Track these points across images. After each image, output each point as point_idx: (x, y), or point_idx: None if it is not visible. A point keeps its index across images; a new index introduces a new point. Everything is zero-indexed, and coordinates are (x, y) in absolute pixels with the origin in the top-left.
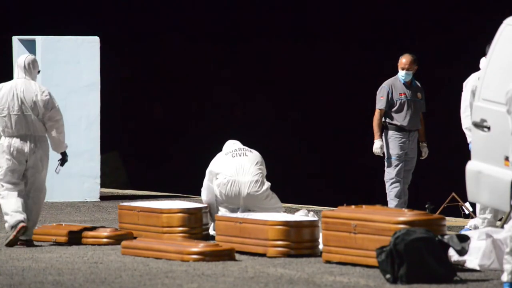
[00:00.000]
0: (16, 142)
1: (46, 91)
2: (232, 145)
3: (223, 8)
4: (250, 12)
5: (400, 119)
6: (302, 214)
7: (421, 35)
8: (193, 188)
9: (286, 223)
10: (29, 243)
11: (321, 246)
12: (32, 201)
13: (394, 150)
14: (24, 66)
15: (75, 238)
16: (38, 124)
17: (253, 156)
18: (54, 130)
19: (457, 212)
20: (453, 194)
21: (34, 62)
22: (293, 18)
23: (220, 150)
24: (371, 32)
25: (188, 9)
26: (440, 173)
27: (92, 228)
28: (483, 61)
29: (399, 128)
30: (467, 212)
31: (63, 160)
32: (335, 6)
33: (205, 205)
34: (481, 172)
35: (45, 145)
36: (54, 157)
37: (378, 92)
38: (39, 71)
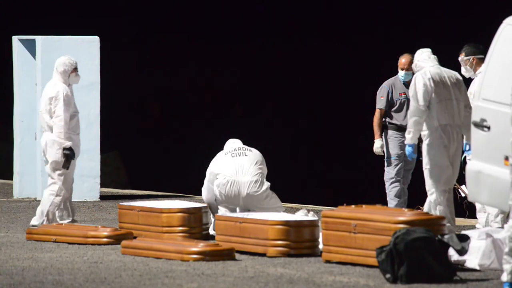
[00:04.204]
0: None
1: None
2: (232, 144)
3: (222, 8)
4: (250, 11)
5: (400, 118)
6: (302, 214)
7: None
8: (193, 188)
9: (286, 223)
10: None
11: (321, 246)
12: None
13: (394, 150)
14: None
15: (75, 237)
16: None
17: (253, 155)
18: None
19: (454, 195)
20: None
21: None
22: (291, 17)
23: (220, 149)
24: (371, 31)
25: (188, 8)
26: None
27: (92, 228)
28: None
29: (398, 128)
30: (463, 194)
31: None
32: (333, 5)
33: (205, 205)
34: (481, 172)
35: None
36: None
37: (378, 92)
38: (68, 71)
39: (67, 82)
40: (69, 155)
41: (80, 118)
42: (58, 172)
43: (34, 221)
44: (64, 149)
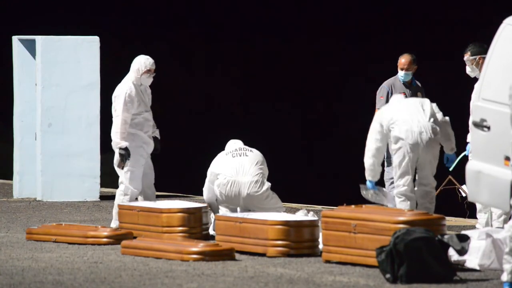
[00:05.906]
0: None
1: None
2: (233, 145)
3: (223, 7)
4: (250, 10)
5: None
6: (302, 214)
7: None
8: (193, 188)
9: (286, 223)
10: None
11: (321, 246)
12: None
13: None
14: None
15: (75, 237)
16: None
17: (254, 156)
18: None
19: (454, 195)
20: (450, 177)
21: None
22: (291, 15)
23: (220, 149)
24: (372, 29)
25: (188, 8)
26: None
27: (92, 228)
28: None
29: None
30: (464, 194)
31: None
32: (334, 2)
33: (205, 205)
34: (481, 172)
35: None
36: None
37: (378, 92)
38: (140, 71)
39: (138, 81)
40: (124, 155)
41: (80, 118)
42: (125, 169)
43: (113, 224)
44: (120, 149)
